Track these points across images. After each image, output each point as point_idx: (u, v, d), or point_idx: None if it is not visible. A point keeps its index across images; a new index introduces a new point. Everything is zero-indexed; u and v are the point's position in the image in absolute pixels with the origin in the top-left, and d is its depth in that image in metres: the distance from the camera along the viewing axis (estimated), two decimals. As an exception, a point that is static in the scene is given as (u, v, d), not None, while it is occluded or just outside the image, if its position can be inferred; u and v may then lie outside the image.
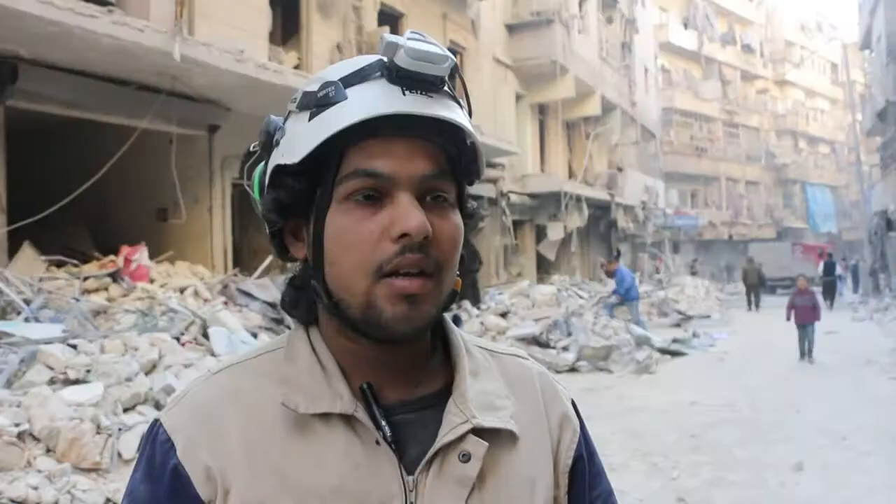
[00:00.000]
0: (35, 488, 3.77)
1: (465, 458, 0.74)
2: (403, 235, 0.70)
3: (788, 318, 11.19)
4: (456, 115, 0.73)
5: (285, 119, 0.78)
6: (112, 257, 7.78)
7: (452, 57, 0.73)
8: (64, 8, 6.10)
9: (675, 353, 11.58)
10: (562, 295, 13.18)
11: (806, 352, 10.97)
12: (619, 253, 22.55)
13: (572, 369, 9.77)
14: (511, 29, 18.44)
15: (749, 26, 42.99)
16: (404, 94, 0.71)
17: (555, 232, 18.60)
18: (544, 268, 19.72)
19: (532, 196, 18.16)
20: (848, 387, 8.65)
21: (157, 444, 0.75)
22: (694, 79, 37.53)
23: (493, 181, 15.70)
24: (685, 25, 37.50)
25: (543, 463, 0.81)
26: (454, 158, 0.76)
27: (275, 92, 7.99)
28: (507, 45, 18.25)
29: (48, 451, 4.17)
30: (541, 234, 19.32)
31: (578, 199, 18.32)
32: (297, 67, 10.67)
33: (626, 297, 13.05)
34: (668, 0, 36.78)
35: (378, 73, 0.72)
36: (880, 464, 5.52)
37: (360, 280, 0.71)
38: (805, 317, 10.98)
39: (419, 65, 0.70)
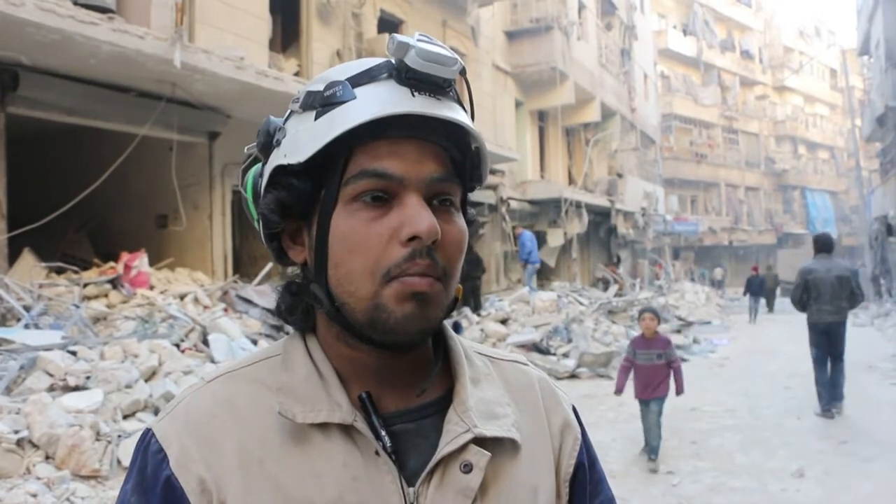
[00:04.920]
0: (34, 495, 3.76)
1: (467, 468, 0.73)
2: (413, 238, 0.69)
3: (620, 390, 5.86)
4: (463, 118, 0.73)
5: (286, 119, 0.77)
6: (112, 264, 7.77)
7: (460, 60, 0.73)
8: (65, 16, 6.11)
9: (675, 359, 11.53)
10: (562, 301, 13.16)
11: (649, 447, 5.72)
12: (618, 259, 22.66)
13: (573, 376, 9.75)
14: (510, 36, 18.48)
15: (748, 32, 43.10)
16: (413, 95, 0.70)
17: (555, 238, 18.61)
18: (544, 274, 19.69)
19: (532, 202, 18.17)
20: (849, 392, 8.62)
21: (149, 455, 0.72)
22: (693, 85, 37.60)
23: (493, 187, 15.72)
24: (684, 32, 37.60)
25: (545, 471, 0.80)
26: (459, 163, 0.75)
27: (275, 99, 8.01)
28: (507, 52, 18.29)
29: (47, 458, 4.16)
30: (541, 240, 19.30)
31: (578, 205, 18.33)
32: (297, 74, 10.69)
33: (527, 261, 14.64)
34: (667, 7, 36.89)
35: (386, 74, 0.71)
36: (881, 470, 5.50)
37: (367, 283, 0.70)
38: (647, 387, 5.70)
39: (430, 66, 0.70)
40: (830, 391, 7.33)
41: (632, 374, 5.79)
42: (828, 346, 7.35)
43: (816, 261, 7.44)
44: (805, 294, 7.35)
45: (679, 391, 5.81)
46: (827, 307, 7.26)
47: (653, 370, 5.72)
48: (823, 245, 7.50)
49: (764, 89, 44.81)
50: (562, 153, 21.43)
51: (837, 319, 7.33)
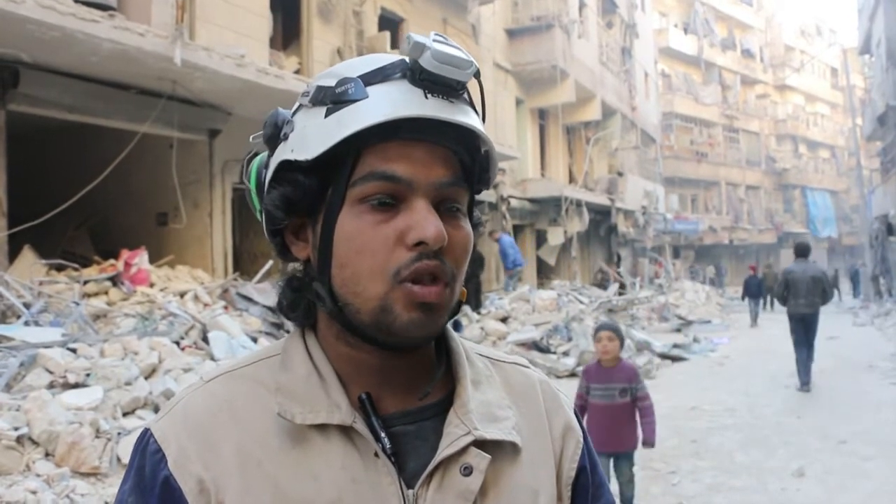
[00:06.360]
0: (34, 492, 3.76)
1: (467, 471, 0.72)
2: (420, 243, 0.68)
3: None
4: (475, 122, 0.72)
5: (294, 112, 0.75)
6: (112, 261, 7.77)
7: (475, 62, 0.71)
8: (65, 13, 6.11)
9: (675, 359, 11.55)
10: (562, 300, 13.15)
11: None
12: (619, 257, 22.64)
13: (573, 374, 9.73)
14: (511, 34, 18.46)
15: (749, 31, 43.06)
16: (426, 97, 0.69)
17: (555, 237, 18.60)
18: (545, 273, 19.71)
19: (532, 201, 18.16)
20: (849, 392, 8.63)
21: (147, 455, 0.71)
22: (694, 83, 37.56)
23: (494, 186, 15.63)
24: (685, 30, 37.55)
25: (546, 475, 0.79)
26: (468, 166, 0.74)
27: (275, 96, 8.00)
28: (508, 50, 18.28)
29: (47, 455, 4.16)
30: (541, 238, 19.32)
31: (579, 203, 18.32)
32: (297, 72, 10.68)
33: (511, 267, 14.60)
34: (667, 5, 36.84)
35: (399, 74, 0.70)
36: (881, 469, 5.50)
37: (376, 285, 0.69)
38: (607, 435, 4.05)
39: (444, 68, 0.69)
40: (807, 367, 8.90)
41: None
42: (804, 332, 8.94)
43: (795, 264, 9.03)
44: (786, 291, 8.95)
45: (648, 441, 4.12)
46: (802, 301, 8.80)
47: (613, 412, 4.10)
48: (801, 251, 9.09)
49: (765, 88, 44.78)
50: (562, 151, 21.42)
51: (811, 311, 8.86)
